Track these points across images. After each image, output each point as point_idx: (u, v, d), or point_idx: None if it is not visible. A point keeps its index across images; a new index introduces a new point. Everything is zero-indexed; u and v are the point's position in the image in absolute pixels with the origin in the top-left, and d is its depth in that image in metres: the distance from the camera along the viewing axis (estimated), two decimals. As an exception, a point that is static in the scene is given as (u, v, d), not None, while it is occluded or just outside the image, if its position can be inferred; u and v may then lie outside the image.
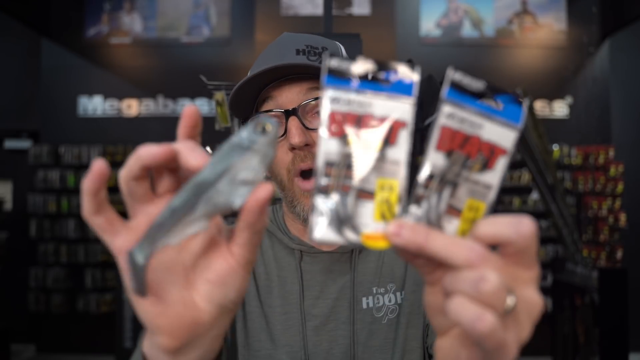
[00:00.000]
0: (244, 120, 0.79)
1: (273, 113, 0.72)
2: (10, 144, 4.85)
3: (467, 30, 5.25)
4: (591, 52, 5.08)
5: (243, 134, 0.34)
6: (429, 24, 5.25)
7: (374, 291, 0.77)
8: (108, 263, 4.82)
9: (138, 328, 3.60)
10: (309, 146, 0.71)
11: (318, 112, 0.71)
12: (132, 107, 5.16)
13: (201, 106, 5.12)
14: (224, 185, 0.33)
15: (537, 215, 4.73)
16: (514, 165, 4.80)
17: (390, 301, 0.77)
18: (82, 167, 4.93)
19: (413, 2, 5.27)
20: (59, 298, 4.82)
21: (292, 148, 0.71)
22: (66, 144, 4.97)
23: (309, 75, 0.71)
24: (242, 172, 0.33)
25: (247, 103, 0.75)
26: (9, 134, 4.84)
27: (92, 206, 0.34)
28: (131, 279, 0.33)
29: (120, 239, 0.35)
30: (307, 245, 0.78)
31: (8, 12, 4.58)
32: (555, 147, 4.78)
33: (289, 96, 0.71)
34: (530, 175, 4.48)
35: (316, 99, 0.71)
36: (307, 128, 0.71)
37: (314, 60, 0.71)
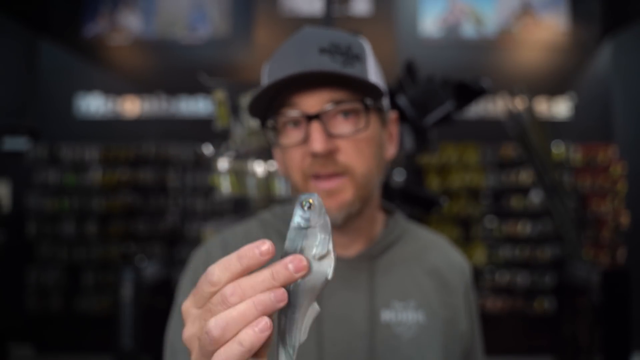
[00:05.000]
0: (261, 121, 0.73)
1: (294, 117, 0.68)
2: (8, 143, 4.83)
3: (468, 30, 5.23)
4: (593, 50, 5.07)
5: (296, 217, 0.38)
6: (429, 24, 5.23)
7: (395, 305, 0.73)
8: (106, 263, 4.80)
9: (137, 329, 3.58)
10: (331, 153, 0.67)
11: (342, 118, 0.68)
12: (131, 107, 5.15)
13: (200, 106, 5.12)
14: (312, 268, 0.37)
15: (537, 215, 4.71)
16: (513, 165, 4.78)
17: (411, 318, 0.72)
18: (80, 167, 4.91)
19: (413, 2, 5.25)
20: (57, 298, 4.81)
21: (314, 154, 0.67)
22: (65, 143, 4.95)
23: (331, 79, 0.66)
24: (315, 249, 0.38)
25: (264, 103, 0.70)
26: (7, 133, 4.82)
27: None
28: None
29: None
30: None
31: (6, 11, 4.56)
32: (558, 147, 4.76)
33: (310, 102, 0.67)
34: (533, 175, 4.47)
35: (339, 103, 0.67)
36: (330, 135, 0.67)
37: (339, 60, 0.67)
